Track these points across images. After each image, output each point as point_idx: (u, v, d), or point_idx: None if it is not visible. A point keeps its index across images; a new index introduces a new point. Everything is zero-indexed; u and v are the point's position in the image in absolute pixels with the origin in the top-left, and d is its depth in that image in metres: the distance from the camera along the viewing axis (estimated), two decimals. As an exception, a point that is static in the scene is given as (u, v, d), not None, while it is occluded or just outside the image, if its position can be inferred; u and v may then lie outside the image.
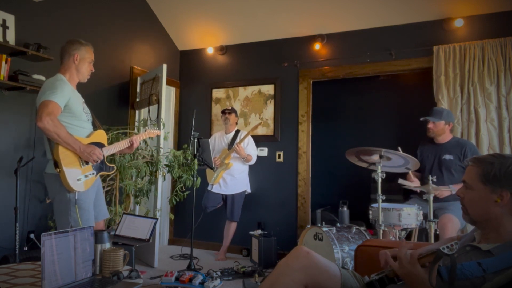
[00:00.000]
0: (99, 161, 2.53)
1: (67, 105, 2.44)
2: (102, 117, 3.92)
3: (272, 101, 4.70)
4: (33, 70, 3.30)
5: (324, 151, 5.42)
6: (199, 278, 3.09)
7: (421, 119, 3.45)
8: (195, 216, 3.94)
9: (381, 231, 3.02)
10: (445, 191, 3.19)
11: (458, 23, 3.82)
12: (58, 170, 2.37)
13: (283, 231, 4.43)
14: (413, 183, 3.31)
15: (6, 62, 3.08)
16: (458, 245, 1.21)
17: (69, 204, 2.40)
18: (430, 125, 3.40)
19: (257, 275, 3.42)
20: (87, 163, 2.49)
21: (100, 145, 2.59)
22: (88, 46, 2.64)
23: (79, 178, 2.44)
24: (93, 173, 2.53)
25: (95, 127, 2.72)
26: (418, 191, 3.36)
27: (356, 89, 5.46)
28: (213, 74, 5.10)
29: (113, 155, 3.21)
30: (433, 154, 3.44)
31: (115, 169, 2.79)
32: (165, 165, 3.93)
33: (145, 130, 3.01)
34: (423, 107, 3.75)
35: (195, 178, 3.87)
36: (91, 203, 2.55)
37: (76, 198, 2.41)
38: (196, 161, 3.84)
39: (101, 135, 2.66)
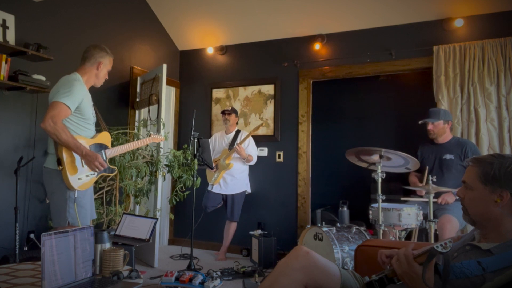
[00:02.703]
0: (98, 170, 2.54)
1: (79, 107, 2.48)
2: (102, 117, 3.91)
3: (272, 101, 4.70)
4: (33, 70, 3.30)
5: (324, 151, 5.42)
6: (199, 278, 3.08)
7: (420, 122, 3.46)
8: (195, 216, 3.94)
9: (381, 231, 3.02)
10: (449, 197, 3.20)
11: (458, 23, 3.82)
12: (60, 167, 2.40)
13: (283, 231, 4.43)
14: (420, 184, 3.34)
15: (6, 62, 3.08)
16: (452, 244, 1.21)
17: (68, 201, 2.43)
18: (430, 127, 3.41)
19: (257, 275, 3.42)
20: None
21: (104, 146, 2.64)
22: (111, 57, 2.75)
23: (81, 177, 2.47)
24: (94, 174, 2.56)
25: (98, 128, 2.75)
26: (424, 193, 3.36)
27: (356, 89, 5.45)
28: (213, 74, 5.10)
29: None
30: (433, 154, 3.45)
31: (116, 171, 2.82)
32: (165, 165, 3.93)
33: (149, 135, 3.07)
34: (423, 107, 3.74)
35: (195, 178, 3.87)
36: (89, 201, 2.60)
37: (76, 196, 2.44)
38: (196, 161, 3.85)
39: (105, 137, 2.71)
